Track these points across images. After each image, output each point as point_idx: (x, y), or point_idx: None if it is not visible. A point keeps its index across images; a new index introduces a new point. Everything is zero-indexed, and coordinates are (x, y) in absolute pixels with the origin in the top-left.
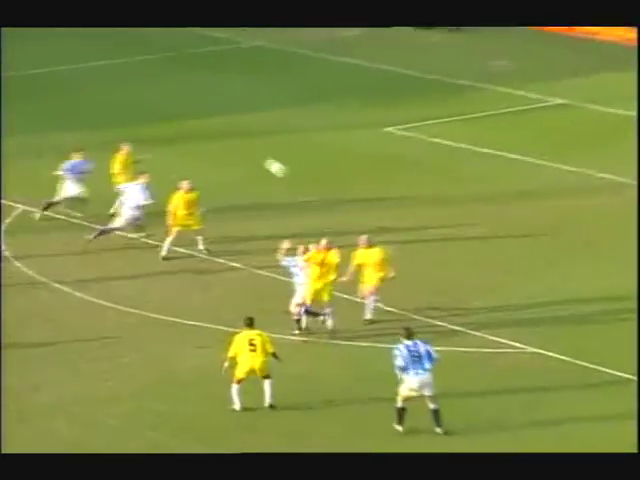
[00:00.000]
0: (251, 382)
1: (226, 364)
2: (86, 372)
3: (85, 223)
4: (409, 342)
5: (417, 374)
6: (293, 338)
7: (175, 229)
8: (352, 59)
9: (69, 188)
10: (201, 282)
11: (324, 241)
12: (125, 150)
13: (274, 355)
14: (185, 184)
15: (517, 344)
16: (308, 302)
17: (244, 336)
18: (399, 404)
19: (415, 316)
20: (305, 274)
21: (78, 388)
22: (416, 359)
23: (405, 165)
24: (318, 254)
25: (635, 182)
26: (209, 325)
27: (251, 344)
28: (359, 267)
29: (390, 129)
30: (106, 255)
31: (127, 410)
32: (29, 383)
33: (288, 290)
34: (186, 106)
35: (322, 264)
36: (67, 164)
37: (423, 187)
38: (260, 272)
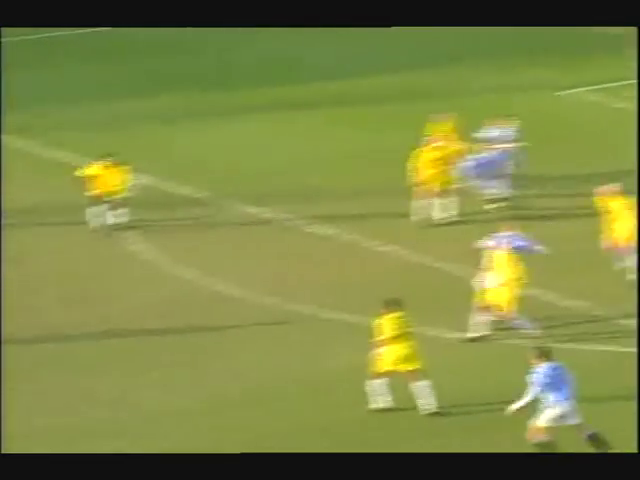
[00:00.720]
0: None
1: (372, 353)
2: (214, 370)
3: None
4: (548, 364)
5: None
6: (455, 336)
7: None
8: None
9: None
10: (347, 269)
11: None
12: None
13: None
14: (430, 139)
15: None
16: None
17: (389, 320)
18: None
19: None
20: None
21: (211, 388)
22: (556, 384)
23: None
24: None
25: None
26: (358, 317)
27: (398, 328)
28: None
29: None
30: (238, 237)
31: (261, 414)
32: (157, 380)
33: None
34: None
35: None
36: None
37: None
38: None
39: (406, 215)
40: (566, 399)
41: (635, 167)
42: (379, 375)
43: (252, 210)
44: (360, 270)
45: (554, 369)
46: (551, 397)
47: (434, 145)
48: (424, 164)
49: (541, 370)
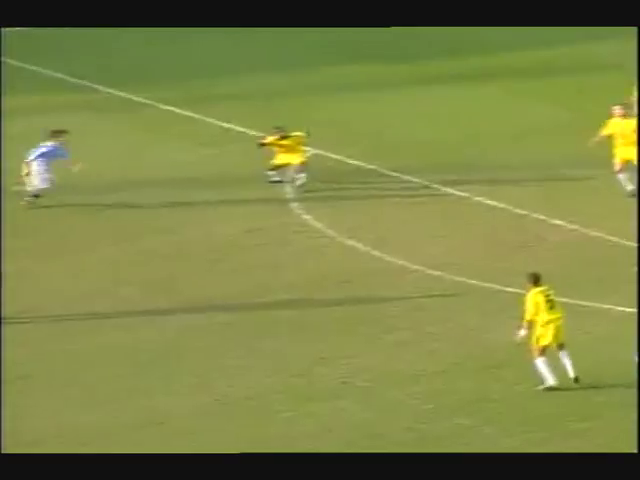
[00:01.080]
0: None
1: (522, 331)
2: (383, 344)
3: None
4: None
5: None
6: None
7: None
8: None
9: None
10: (517, 242)
11: None
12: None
13: None
14: (618, 109)
15: None
16: None
17: (537, 293)
18: None
19: None
20: None
21: (373, 362)
22: None
23: None
24: None
25: None
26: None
27: (548, 300)
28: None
29: None
30: (409, 210)
31: (430, 389)
32: (315, 354)
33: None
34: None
35: None
36: None
37: None
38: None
39: (588, 188)
40: None
41: (635, 167)
42: (541, 352)
43: (424, 182)
44: (524, 243)
45: None
46: None
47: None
48: (617, 135)
49: None
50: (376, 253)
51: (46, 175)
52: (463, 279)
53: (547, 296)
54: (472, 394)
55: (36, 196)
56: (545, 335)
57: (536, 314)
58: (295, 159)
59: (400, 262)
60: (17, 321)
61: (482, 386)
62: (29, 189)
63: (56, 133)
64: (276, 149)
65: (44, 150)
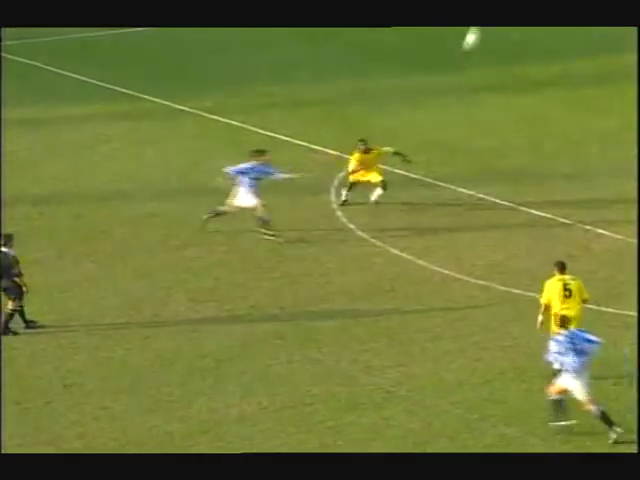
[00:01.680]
0: None
1: (540, 317)
2: (428, 353)
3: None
4: None
5: None
6: None
7: None
8: None
9: None
10: (563, 252)
11: None
12: None
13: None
14: None
15: None
16: None
17: (556, 281)
18: None
19: None
20: None
21: (419, 370)
22: None
23: None
24: None
25: None
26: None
27: (565, 289)
28: None
29: None
30: (455, 219)
31: (475, 399)
32: (360, 363)
33: None
34: None
35: None
36: None
37: None
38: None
39: (633, 198)
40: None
41: (635, 167)
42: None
43: (469, 191)
44: (569, 253)
45: None
46: None
47: None
48: None
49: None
50: (421, 262)
51: (250, 195)
52: (509, 289)
53: (566, 284)
54: (517, 404)
55: (218, 214)
56: (561, 320)
57: (550, 299)
58: (375, 177)
59: (445, 271)
60: (66, 329)
61: (527, 396)
62: (222, 208)
63: (257, 153)
64: (355, 165)
65: (247, 169)
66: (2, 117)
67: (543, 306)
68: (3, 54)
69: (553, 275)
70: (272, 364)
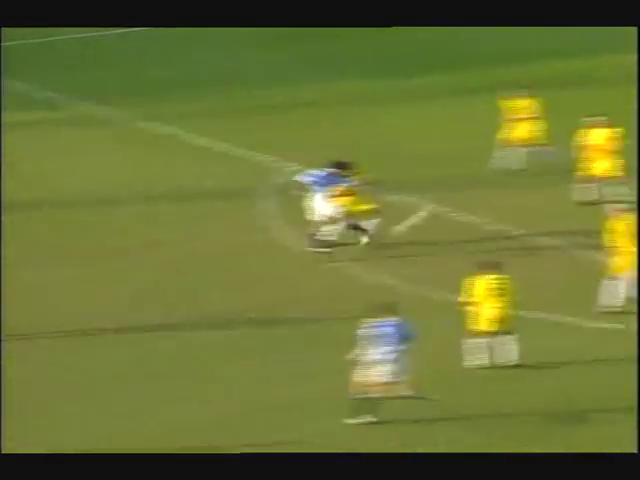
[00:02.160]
0: None
1: (469, 312)
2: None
3: None
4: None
5: None
6: None
7: None
8: None
9: None
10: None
11: None
12: None
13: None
14: None
15: None
16: None
17: (482, 281)
18: None
19: None
20: None
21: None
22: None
23: None
24: None
25: None
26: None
27: (495, 288)
28: None
29: None
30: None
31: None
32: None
33: None
34: None
35: None
36: None
37: None
38: None
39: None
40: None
41: (635, 167)
42: (475, 335)
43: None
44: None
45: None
46: None
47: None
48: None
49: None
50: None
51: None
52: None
53: (492, 285)
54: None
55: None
56: (482, 320)
57: (475, 298)
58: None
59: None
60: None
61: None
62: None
63: (340, 164)
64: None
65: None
66: None
67: (470, 303)
68: None
69: (476, 274)
70: (248, 365)
